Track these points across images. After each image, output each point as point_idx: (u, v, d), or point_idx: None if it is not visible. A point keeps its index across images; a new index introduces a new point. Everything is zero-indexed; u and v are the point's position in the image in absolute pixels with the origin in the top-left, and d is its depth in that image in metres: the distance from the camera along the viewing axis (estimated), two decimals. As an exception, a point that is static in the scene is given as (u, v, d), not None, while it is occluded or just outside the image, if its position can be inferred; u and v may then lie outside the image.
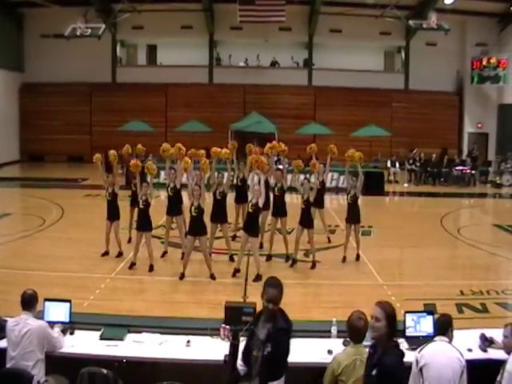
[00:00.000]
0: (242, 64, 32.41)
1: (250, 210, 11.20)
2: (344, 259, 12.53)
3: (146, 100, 30.92)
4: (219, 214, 12.03)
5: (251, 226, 11.18)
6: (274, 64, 32.63)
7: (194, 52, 32.11)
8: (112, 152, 12.89)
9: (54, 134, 31.42)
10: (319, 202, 13.54)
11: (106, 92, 31.79)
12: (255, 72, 31.66)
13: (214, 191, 11.99)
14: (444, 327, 5.35)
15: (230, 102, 31.22)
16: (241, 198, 13.63)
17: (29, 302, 5.73)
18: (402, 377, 4.43)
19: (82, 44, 27.62)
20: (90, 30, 25.47)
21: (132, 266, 11.65)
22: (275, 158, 24.67)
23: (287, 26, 29.80)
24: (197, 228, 11.05)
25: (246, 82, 31.08)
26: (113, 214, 12.45)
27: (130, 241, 13.42)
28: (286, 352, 4.73)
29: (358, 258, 12.68)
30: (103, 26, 26.16)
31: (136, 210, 12.45)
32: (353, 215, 12.51)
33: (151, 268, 11.58)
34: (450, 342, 5.26)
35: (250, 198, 11.81)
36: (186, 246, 11.43)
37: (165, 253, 12.81)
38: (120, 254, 12.52)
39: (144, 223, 11.62)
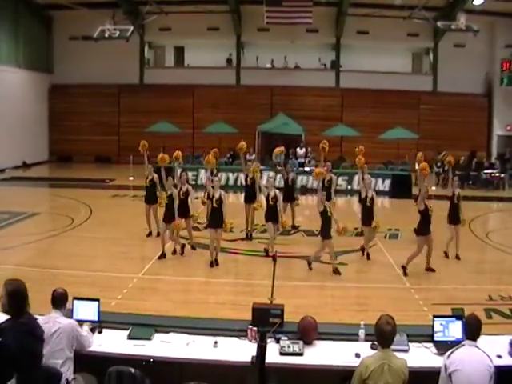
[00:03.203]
0: (268, 65, 32.41)
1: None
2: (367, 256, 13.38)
3: (174, 101, 31.10)
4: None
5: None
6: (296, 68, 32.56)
7: (220, 53, 32.28)
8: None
9: (82, 134, 31.81)
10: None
11: (134, 93, 32.02)
12: (282, 73, 31.60)
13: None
14: (474, 332, 5.23)
15: (256, 104, 31.18)
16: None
17: (59, 301, 5.77)
18: (19, 354, 4.55)
19: (110, 46, 27.96)
20: (118, 32, 25.73)
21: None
22: (303, 160, 24.81)
23: (314, 28, 29.68)
24: (218, 219, 11.71)
25: (273, 83, 31.01)
26: (151, 198, 14.01)
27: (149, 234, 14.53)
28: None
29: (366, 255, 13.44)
30: (131, 27, 26.38)
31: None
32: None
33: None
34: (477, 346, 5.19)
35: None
36: (210, 237, 11.96)
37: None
38: (150, 234, 14.39)
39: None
